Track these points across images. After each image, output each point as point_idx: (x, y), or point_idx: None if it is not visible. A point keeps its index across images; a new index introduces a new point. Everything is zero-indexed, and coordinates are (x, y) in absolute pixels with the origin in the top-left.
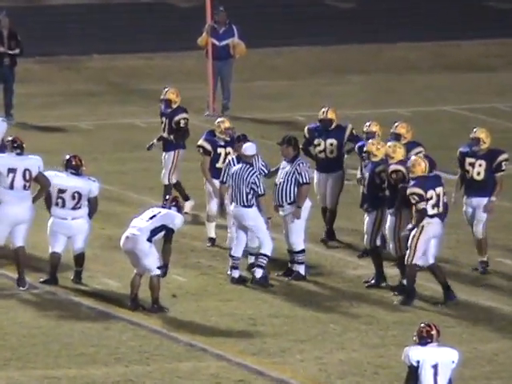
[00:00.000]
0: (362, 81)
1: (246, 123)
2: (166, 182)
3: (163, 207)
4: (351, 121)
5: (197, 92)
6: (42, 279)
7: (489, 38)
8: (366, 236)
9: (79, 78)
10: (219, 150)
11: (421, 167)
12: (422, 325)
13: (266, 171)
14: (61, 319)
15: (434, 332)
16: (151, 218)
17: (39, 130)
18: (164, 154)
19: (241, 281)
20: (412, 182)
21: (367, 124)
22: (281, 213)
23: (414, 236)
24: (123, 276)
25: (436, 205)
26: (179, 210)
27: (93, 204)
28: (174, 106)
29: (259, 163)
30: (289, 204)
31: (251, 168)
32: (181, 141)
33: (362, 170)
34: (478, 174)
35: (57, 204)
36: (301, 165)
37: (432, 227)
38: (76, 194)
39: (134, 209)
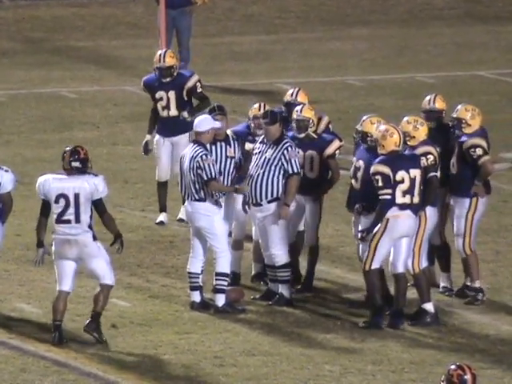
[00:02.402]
0: (370, 35)
1: (211, 93)
2: None
3: (69, 174)
4: (355, 90)
5: (145, 51)
6: None
7: None
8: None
9: None
10: (247, 146)
11: (393, 139)
12: (453, 366)
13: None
14: None
15: (467, 376)
16: (76, 203)
17: None
18: (164, 141)
19: (204, 306)
20: (378, 159)
21: (291, 92)
22: (258, 214)
23: (375, 234)
24: (45, 299)
25: (409, 192)
26: (85, 165)
27: (6, 203)
28: (175, 73)
29: (235, 148)
30: (269, 202)
31: (197, 148)
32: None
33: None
34: (453, 165)
35: None
36: (289, 149)
37: (400, 222)
38: None
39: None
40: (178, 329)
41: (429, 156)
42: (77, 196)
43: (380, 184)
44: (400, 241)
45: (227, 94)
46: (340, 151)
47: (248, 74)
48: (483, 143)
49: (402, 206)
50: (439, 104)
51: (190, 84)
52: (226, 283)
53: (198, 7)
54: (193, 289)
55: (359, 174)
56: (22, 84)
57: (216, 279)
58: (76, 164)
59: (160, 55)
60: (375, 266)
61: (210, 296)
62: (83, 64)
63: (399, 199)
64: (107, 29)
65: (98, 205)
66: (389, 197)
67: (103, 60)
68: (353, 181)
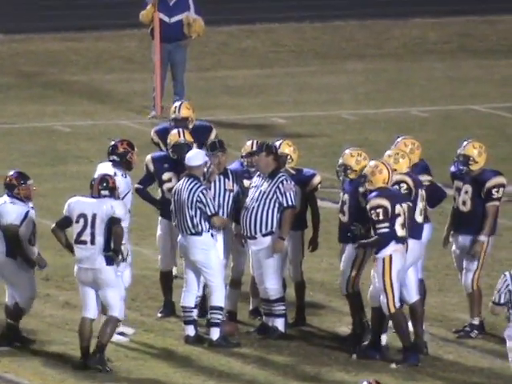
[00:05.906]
0: (364, 69)
1: None
2: None
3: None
4: (349, 125)
5: (139, 85)
6: None
7: None
8: (341, 277)
9: None
10: (245, 183)
11: (382, 176)
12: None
13: (239, 193)
14: None
15: None
16: (92, 223)
17: None
18: None
19: (198, 340)
20: (375, 193)
21: (174, 107)
22: (252, 247)
23: (383, 277)
24: (38, 331)
25: (405, 225)
26: (112, 189)
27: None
28: (191, 125)
29: (233, 182)
30: (264, 235)
31: (194, 182)
32: None
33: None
34: (464, 203)
35: None
36: (284, 182)
37: (402, 254)
38: None
39: (55, 243)
40: (173, 362)
41: (402, 185)
42: (94, 216)
43: (380, 217)
44: (407, 271)
45: (221, 128)
46: (321, 185)
47: (242, 108)
48: (505, 181)
49: (401, 240)
50: None
51: (212, 137)
52: (220, 317)
53: (193, 41)
54: (187, 323)
55: (345, 207)
56: (16, 118)
57: (211, 313)
58: (105, 192)
59: (176, 106)
60: (398, 305)
61: (205, 330)
62: (77, 98)
63: (399, 232)
64: (101, 63)
65: (112, 221)
66: (388, 230)
67: (97, 94)
68: (340, 215)
